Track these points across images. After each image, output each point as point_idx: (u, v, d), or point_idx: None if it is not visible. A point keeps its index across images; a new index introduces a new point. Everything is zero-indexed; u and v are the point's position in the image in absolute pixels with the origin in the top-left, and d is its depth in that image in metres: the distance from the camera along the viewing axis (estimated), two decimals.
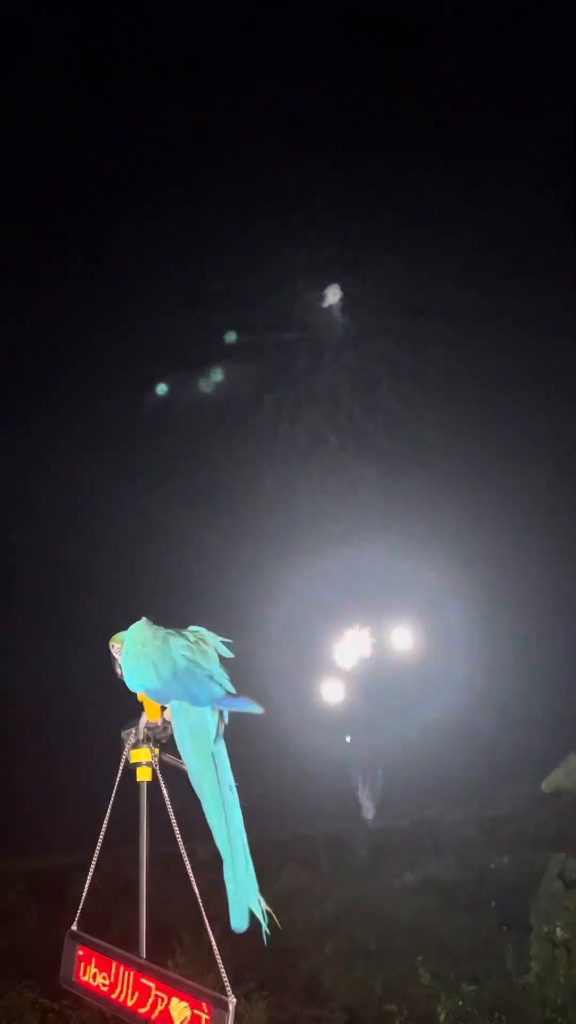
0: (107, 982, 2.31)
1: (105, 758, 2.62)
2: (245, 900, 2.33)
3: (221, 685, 2.48)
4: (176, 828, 2.39)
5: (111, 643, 2.63)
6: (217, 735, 2.46)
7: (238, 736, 2.54)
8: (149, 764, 2.47)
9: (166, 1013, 2.16)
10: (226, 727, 2.51)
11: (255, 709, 2.47)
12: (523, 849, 12.33)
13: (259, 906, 2.34)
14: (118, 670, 2.61)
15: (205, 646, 2.56)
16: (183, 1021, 2.12)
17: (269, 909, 2.34)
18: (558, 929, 5.10)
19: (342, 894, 9.63)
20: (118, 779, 2.47)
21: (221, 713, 2.50)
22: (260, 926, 2.34)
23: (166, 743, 2.51)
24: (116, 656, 2.62)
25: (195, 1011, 2.11)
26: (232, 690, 2.48)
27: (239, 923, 2.31)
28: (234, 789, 2.43)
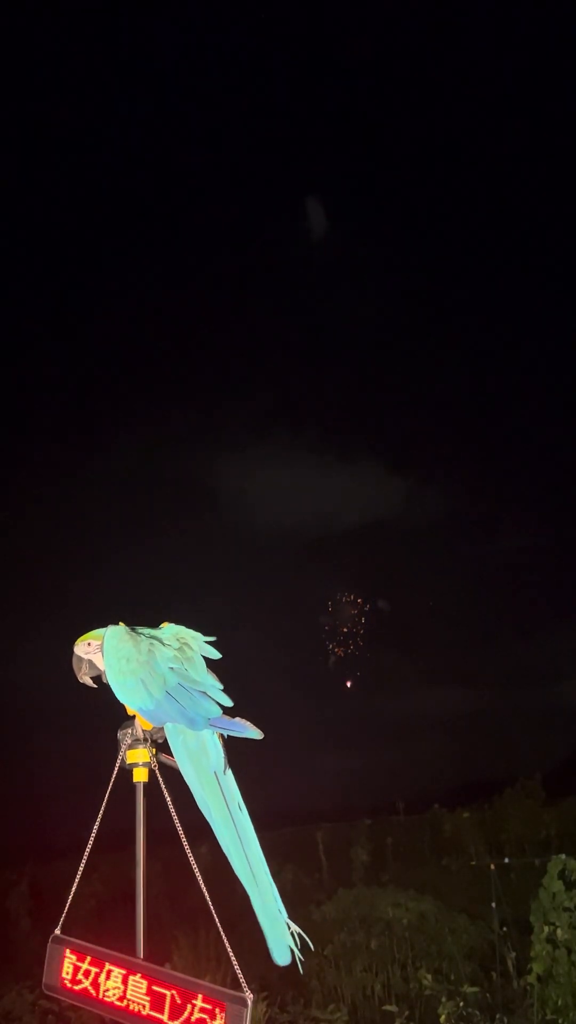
0: (102, 985, 2.21)
1: (105, 758, 2.55)
2: (282, 932, 2.27)
3: (216, 700, 2.37)
4: (180, 828, 2.35)
5: (81, 642, 2.47)
6: (225, 765, 2.36)
7: (236, 740, 2.48)
8: (146, 765, 2.42)
9: (173, 1012, 2.06)
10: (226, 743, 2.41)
11: (253, 734, 2.35)
12: (523, 849, 12.31)
13: (290, 932, 2.28)
14: (83, 669, 2.47)
15: (190, 651, 2.41)
16: (192, 1020, 2.03)
17: (301, 932, 2.30)
18: (559, 930, 5.07)
19: (342, 894, 9.59)
20: (112, 780, 2.43)
21: (222, 735, 2.40)
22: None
23: (163, 743, 2.46)
24: (83, 656, 2.46)
25: (212, 1008, 2.01)
26: (227, 702, 2.38)
27: (281, 957, 2.28)
28: (243, 808, 2.36)
